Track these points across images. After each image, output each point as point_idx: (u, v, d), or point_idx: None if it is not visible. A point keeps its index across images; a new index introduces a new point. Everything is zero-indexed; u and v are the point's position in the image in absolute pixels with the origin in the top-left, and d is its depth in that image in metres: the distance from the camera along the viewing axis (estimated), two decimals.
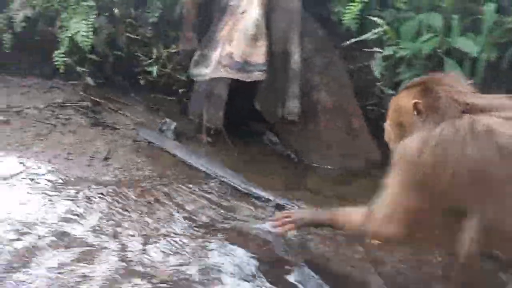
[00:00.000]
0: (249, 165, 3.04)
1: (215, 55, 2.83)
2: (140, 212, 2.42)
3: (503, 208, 1.43)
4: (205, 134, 3.20)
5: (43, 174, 2.74)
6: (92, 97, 3.53)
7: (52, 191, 2.56)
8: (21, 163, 2.82)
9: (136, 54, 3.53)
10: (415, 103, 1.63)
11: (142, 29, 3.49)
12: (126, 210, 2.43)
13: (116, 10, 3.39)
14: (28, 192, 2.55)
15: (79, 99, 3.55)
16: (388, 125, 1.80)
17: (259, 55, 2.70)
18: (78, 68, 3.44)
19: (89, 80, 3.46)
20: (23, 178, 2.69)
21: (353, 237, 2.16)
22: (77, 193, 2.56)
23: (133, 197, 2.56)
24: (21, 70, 3.84)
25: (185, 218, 2.41)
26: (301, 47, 2.88)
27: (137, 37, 3.50)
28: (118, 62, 3.60)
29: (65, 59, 3.38)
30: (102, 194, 2.56)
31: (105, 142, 3.11)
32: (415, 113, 1.63)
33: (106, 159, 2.92)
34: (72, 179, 2.71)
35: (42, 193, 2.54)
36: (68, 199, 2.49)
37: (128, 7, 3.47)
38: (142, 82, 3.56)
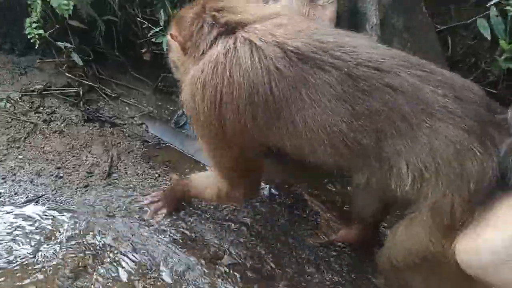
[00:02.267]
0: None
1: None
2: None
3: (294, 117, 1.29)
4: None
5: (24, 204, 1.97)
6: (81, 80, 2.65)
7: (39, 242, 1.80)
8: None
9: (135, 18, 2.59)
10: (171, 35, 1.51)
11: None
12: None
13: None
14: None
15: (65, 84, 2.66)
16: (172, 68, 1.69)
17: (323, 19, 1.81)
18: (59, 43, 2.52)
19: (75, 57, 2.56)
20: None
21: None
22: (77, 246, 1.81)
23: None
24: None
25: None
26: (377, 3, 1.98)
27: None
28: (111, 31, 2.67)
29: (39, 31, 2.47)
30: (110, 247, 1.79)
31: (104, 147, 2.29)
32: (180, 48, 1.49)
33: (109, 175, 2.12)
34: (66, 214, 1.93)
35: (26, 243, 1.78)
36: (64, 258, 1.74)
37: None
38: (145, 57, 2.66)
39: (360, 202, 1.72)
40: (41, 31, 2.46)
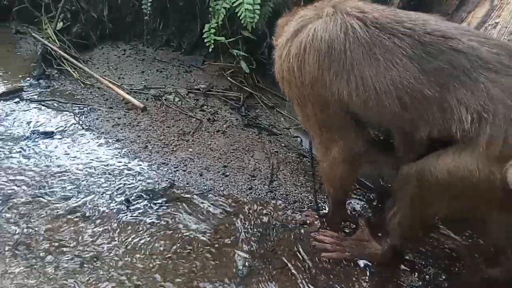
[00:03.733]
0: None
1: None
2: None
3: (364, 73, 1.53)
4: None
5: (195, 195, 2.13)
6: (242, 86, 2.83)
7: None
8: (165, 174, 2.24)
9: None
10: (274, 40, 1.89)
11: None
12: None
13: None
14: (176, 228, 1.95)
15: (226, 87, 2.87)
16: None
17: None
18: (234, 50, 2.71)
19: (244, 64, 2.73)
20: (167, 202, 2.09)
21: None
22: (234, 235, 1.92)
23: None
24: (157, 41, 3.24)
25: None
26: None
27: None
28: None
29: (219, 37, 2.67)
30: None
31: (265, 154, 2.41)
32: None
33: (271, 182, 2.23)
34: (231, 207, 2.08)
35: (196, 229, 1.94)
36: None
37: None
38: None
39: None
40: (221, 38, 2.67)
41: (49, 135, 2.49)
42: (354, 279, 1.79)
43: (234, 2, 2.53)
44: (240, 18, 2.50)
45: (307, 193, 2.20)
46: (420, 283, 1.79)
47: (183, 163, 2.31)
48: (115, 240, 1.89)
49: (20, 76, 3.02)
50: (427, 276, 1.81)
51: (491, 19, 1.85)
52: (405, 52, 1.46)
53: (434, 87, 1.43)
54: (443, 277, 1.81)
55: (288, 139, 2.55)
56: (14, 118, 2.61)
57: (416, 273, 1.82)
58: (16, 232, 1.87)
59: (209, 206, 2.06)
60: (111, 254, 1.82)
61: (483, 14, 1.87)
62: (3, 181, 2.13)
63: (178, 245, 1.89)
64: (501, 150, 1.37)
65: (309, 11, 1.70)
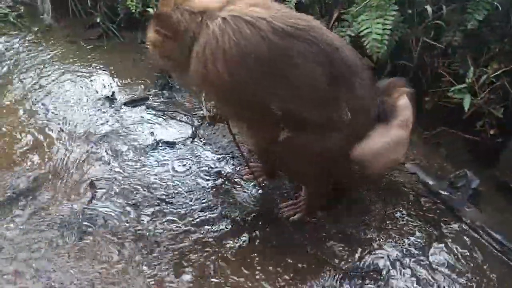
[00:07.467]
0: None
1: None
2: None
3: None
4: None
5: None
6: None
7: None
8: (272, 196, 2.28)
9: (429, 67, 2.60)
10: (157, 31, 1.84)
11: (449, 33, 2.50)
12: None
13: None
14: None
15: None
16: (162, 62, 1.99)
17: None
18: None
19: None
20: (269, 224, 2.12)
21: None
22: None
23: None
24: None
25: None
26: None
27: (438, 44, 2.54)
28: (395, 73, 2.72)
29: None
30: None
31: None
32: (166, 39, 1.83)
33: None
34: None
35: None
36: None
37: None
38: (427, 106, 2.63)
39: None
40: None
41: (171, 145, 2.67)
42: None
43: (365, 30, 2.47)
44: (367, 48, 2.45)
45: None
46: None
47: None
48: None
49: (144, 85, 3.26)
50: None
51: None
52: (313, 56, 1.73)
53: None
54: None
55: (405, 178, 2.44)
56: (141, 126, 2.84)
57: None
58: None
59: None
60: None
61: None
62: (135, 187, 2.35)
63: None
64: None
65: (200, 18, 1.77)
